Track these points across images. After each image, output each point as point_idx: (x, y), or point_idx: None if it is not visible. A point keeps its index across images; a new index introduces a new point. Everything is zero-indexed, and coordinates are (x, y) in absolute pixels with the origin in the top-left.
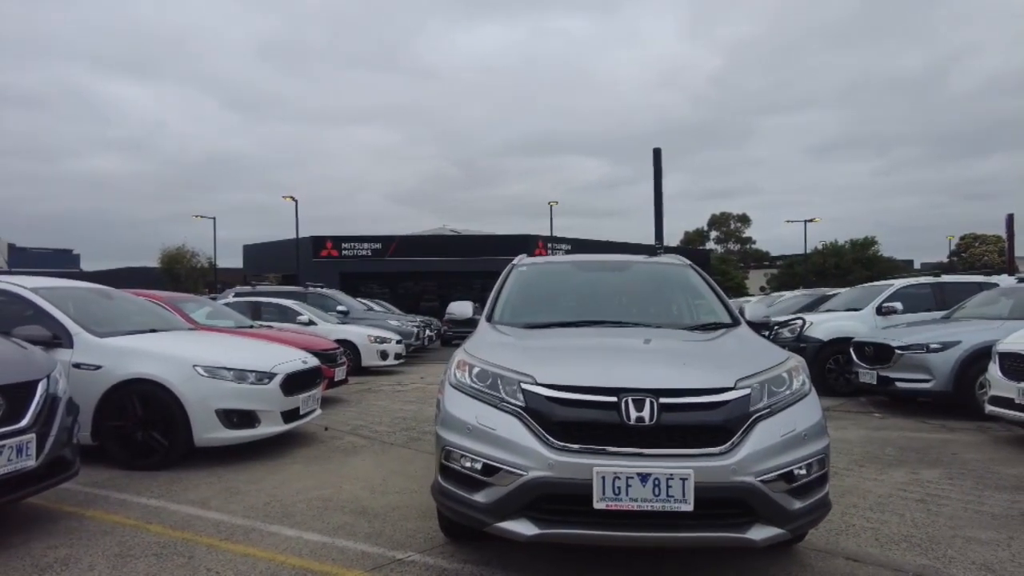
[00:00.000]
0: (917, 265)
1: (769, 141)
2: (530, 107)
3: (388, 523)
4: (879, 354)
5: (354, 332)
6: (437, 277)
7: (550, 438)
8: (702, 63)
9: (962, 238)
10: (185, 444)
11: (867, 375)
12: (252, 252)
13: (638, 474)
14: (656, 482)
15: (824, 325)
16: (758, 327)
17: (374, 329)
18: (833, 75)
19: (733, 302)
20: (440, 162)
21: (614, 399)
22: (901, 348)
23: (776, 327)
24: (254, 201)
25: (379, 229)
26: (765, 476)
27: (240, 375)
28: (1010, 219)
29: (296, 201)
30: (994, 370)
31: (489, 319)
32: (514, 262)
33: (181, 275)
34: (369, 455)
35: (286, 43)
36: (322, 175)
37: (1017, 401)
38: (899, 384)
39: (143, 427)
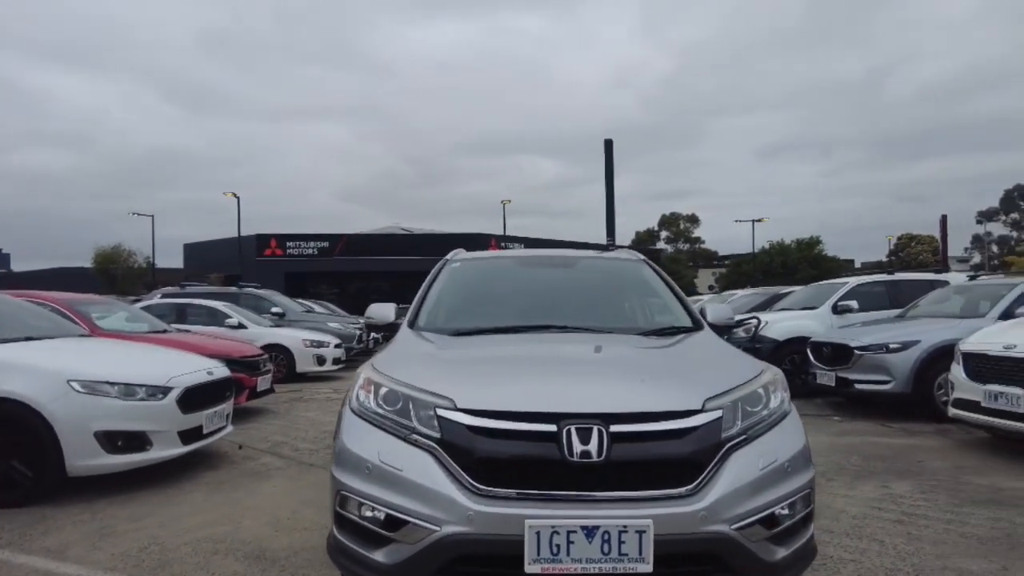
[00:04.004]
0: (858, 264)
1: (719, 143)
2: (484, 106)
3: (287, 572)
4: (837, 354)
5: (287, 336)
6: (388, 277)
7: (472, 481)
8: (654, 65)
9: (899, 238)
10: (56, 474)
11: (825, 376)
12: (193, 251)
13: (582, 527)
14: (605, 537)
15: (780, 324)
16: (721, 331)
17: (310, 332)
18: (781, 78)
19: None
20: (393, 160)
21: (553, 428)
22: (860, 348)
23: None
24: (200, 199)
25: (331, 228)
26: (742, 522)
27: (127, 390)
28: (943, 220)
29: (238, 198)
30: (958, 371)
31: (412, 325)
32: (447, 257)
33: (117, 276)
34: (283, 480)
35: (232, 36)
36: (271, 173)
37: (984, 404)
38: (858, 386)
39: (1, 456)
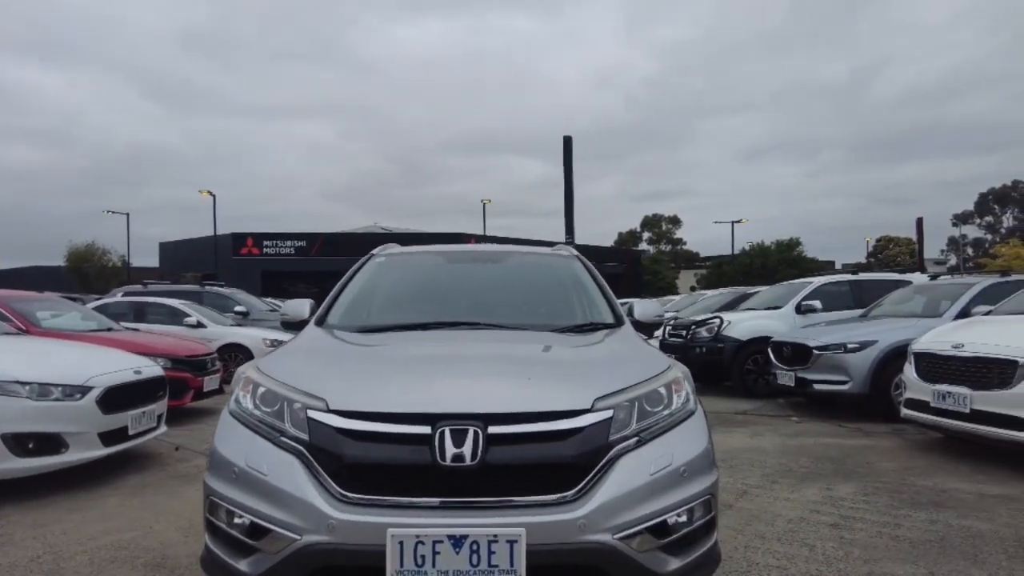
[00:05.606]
0: (838, 265)
1: (704, 144)
2: (470, 105)
3: None
4: (797, 354)
5: (247, 335)
6: None
7: (338, 488)
8: (639, 65)
9: (878, 240)
10: None
11: (785, 376)
12: (169, 250)
13: (449, 536)
14: (474, 547)
15: (743, 324)
16: (648, 328)
17: (272, 331)
18: (764, 80)
19: (643, 301)
20: (378, 159)
21: (427, 430)
22: (819, 348)
23: (693, 326)
24: (181, 197)
25: (314, 227)
26: (627, 531)
27: (41, 390)
28: (919, 223)
29: (214, 196)
30: (909, 371)
31: (320, 322)
32: (373, 252)
33: (91, 274)
34: None
35: (213, 32)
36: (253, 171)
37: (933, 404)
38: (817, 386)
39: None
